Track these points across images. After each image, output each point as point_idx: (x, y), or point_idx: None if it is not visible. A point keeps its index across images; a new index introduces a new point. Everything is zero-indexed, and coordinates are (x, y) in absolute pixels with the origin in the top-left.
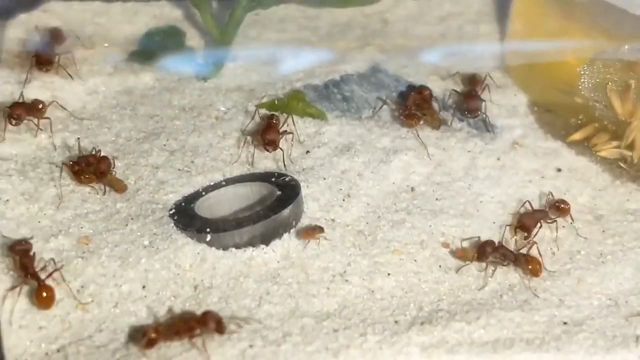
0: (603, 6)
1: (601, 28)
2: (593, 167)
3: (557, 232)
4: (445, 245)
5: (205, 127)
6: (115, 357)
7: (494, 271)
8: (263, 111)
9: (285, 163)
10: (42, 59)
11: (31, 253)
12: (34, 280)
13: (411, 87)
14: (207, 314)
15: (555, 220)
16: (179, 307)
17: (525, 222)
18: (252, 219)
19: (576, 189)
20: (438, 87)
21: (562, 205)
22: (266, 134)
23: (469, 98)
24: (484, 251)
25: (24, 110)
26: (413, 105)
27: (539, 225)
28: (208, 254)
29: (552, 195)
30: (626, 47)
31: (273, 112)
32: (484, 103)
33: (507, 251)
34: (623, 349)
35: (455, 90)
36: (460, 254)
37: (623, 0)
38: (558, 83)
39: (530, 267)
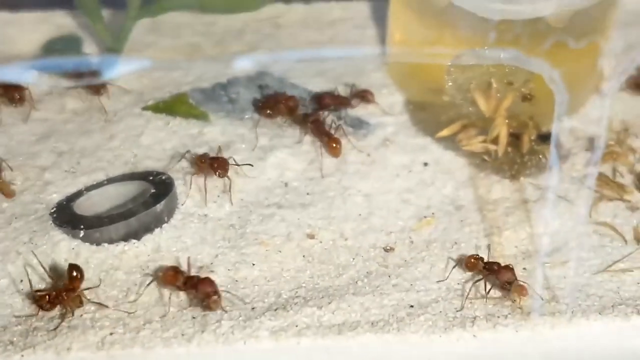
0: (458, 10)
1: (462, 30)
2: (459, 161)
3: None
4: (311, 236)
5: (95, 129)
6: None
7: None
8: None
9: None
10: None
11: None
12: None
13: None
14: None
15: None
16: None
17: None
18: (124, 215)
19: (440, 182)
20: (321, 89)
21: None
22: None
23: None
24: None
25: None
26: (271, 100)
27: None
28: (82, 249)
29: None
30: (484, 48)
31: None
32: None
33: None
34: (459, 328)
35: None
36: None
37: (470, 3)
38: (430, 83)
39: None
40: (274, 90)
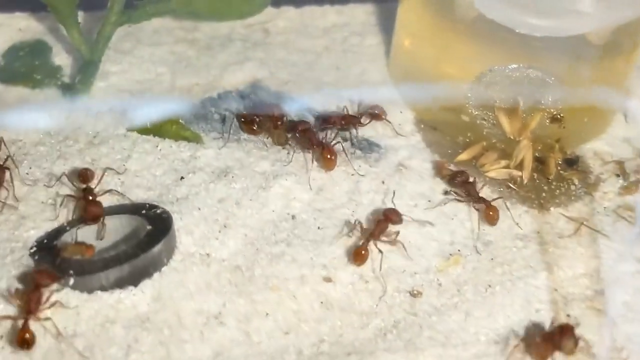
0: (488, 23)
1: (488, 45)
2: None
3: None
4: (328, 279)
5: (72, 153)
6: None
7: None
8: None
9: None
10: None
11: None
12: None
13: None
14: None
15: None
16: (38, 358)
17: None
18: (119, 258)
19: (464, 213)
20: (321, 105)
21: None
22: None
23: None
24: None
25: None
26: (254, 115)
27: None
28: (71, 297)
29: None
30: (512, 65)
31: None
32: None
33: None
34: None
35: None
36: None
37: (507, 18)
38: (444, 100)
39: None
40: (260, 102)
